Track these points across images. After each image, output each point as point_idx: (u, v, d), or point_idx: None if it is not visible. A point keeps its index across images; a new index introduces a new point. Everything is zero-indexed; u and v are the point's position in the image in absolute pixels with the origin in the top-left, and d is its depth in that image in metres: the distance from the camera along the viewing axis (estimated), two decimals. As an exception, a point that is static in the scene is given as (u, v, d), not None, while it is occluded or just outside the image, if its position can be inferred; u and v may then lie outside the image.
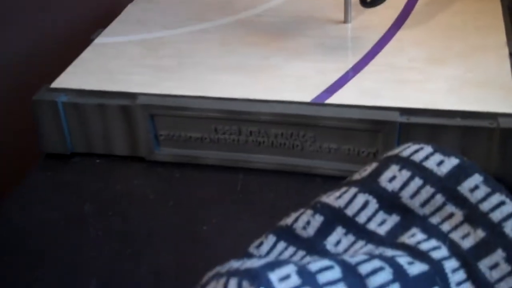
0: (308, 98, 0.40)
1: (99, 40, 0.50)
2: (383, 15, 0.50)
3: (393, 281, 0.25)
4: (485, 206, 0.27)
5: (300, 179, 0.41)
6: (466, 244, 0.27)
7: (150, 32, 0.51)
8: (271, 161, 0.41)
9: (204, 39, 0.49)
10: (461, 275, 0.26)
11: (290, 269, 0.24)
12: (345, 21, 0.50)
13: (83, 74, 0.45)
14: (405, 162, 0.29)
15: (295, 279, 0.23)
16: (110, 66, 0.46)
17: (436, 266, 0.26)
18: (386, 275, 0.25)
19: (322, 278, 0.24)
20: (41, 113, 0.43)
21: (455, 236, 0.27)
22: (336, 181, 0.31)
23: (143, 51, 0.48)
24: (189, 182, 0.41)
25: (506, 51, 0.44)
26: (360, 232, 0.28)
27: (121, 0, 0.61)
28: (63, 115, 0.43)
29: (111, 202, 0.40)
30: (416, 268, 0.25)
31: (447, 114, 0.37)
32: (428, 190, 0.28)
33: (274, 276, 0.23)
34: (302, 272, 0.24)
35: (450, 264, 0.26)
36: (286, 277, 0.23)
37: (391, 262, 0.25)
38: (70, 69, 0.46)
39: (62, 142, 0.44)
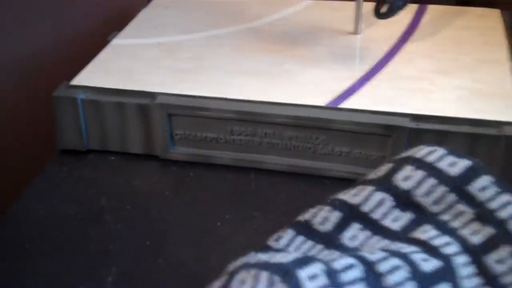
0: (321, 103, 0.42)
1: (116, 42, 0.52)
2: (391, 29, 0.52)
3: (409, 279, 0.26)
4: (493, 205, 0.28)
5: (310, 180, 0.42)
6: (476, 240, 0.28)
7: (165, 35, 0.53)
8: (283, 163, 0.43)
9: (218, 45, 0.51)
10: (470, 269, 0.28)
11: (318, 268, 0.25)
12: (355, 32, 0.52)
13: (102, 73, 0.47)
14: (420, 163, 0.30)
15: (323, 279, 0.25)
16: (129, 67, 0.47)
17: (446, 261, 0.27)
18: (402, 273, 0.26)
19: (345, 277, 0.25)
20: (60, 109, 0.44)
21: (466, 232, 0.29)
22: (345, 183, 0.32)
23: (160, 53, 0.49)
24: (203, 181, 0.43)
25: (509, 65, 0.46)
26: (376, 228, 0.30)
27: (134, 4, 0.62)
28: (81, 112, 0.44)
29: (128, 197, 0.41)
30: (431, 265, 0.27)
31: (455, 121, 0.39)
32: (440, 189, 0.29)
33: (303, 274, 0.25)
34: (329, 272, 0.25)
35: (460, 260, 0.28)
36: (315, 276, 0.25)
37: (408, 260, 0.27)
38: (89, 68, 0.47)
39: (79, 138, 0.45)
